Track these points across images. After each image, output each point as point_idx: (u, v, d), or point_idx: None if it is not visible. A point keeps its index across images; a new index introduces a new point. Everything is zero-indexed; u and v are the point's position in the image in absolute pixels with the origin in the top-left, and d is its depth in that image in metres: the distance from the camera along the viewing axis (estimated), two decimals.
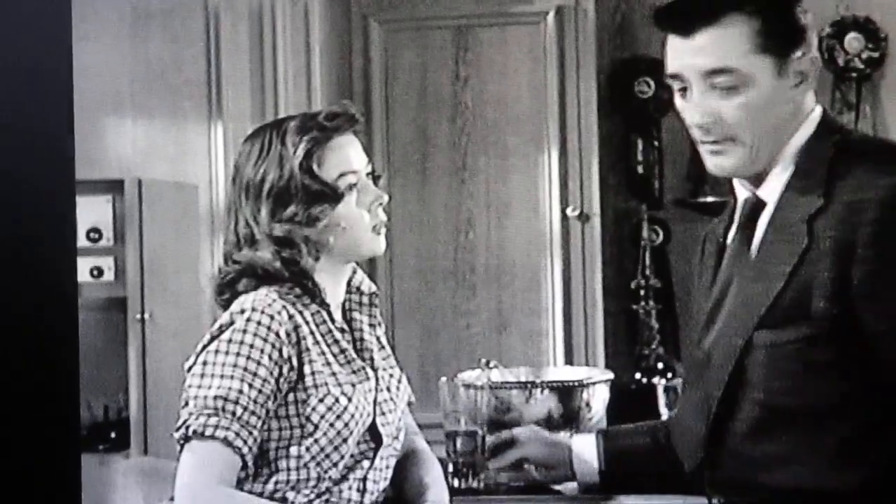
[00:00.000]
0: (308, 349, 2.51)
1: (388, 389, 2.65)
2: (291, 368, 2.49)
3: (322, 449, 2.51)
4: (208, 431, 2.43)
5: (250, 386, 2.45)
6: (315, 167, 2.55)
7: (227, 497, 2.43)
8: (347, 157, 2.58)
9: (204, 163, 4.80)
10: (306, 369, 2.50)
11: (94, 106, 4.84)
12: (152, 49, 4.87)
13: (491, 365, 3.20)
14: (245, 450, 2.44)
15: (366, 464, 2.58)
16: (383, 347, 2.72)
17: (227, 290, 2.58)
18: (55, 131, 2.80)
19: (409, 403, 2.75)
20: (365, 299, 2.70)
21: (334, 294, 2.62)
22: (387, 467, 2.62)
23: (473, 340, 4.89)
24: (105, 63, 4.85)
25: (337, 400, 2.51)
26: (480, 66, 4.99)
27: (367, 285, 2.71)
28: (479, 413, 3.07)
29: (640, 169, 5.17)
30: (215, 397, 2.44)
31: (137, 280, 4.79)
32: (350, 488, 2.55)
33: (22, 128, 2.73)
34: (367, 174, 2.61)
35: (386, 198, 2.61)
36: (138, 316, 4.78)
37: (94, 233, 4.90)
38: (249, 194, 2.57)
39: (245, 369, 2.45)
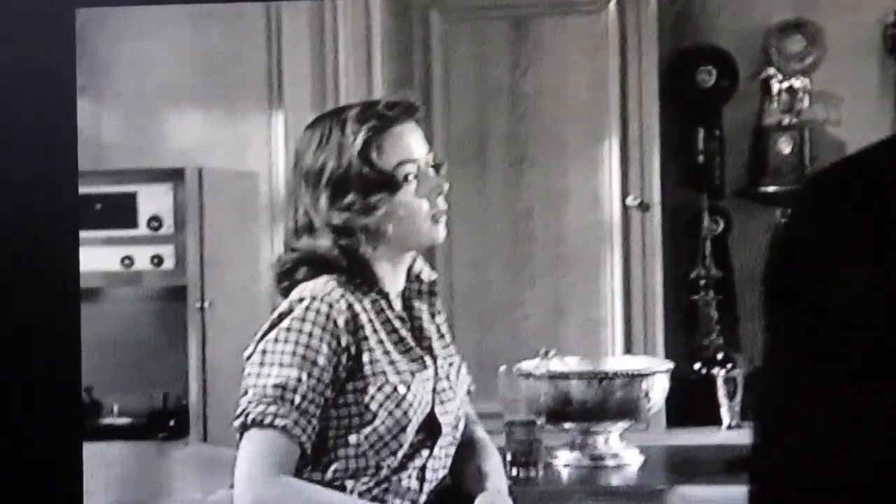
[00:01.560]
0: (366, 337, 2.51)
1: (448, 378, 2.64)
2: (350, 357, 2.49)
3: (381, 437, 2.51)
4: (267, 420, 2.43)
5: (309, 374, 2.45)
6: (373, 155, 2.54)
7: (285, 485, 2.44)
8: (407, 145, 2.57)
9: (264, 152, 4.81)
10: (365, 357, 2.50)
11: (155, 96, 4.87)
12: (213, 40, 4.88)
13: (550, 355, 3.20)
14: (303, 438, 2.45)
15: (425, 453, 2.57)
16: (443, 336, 2.71)
17: (286, 279, 2.59)
18: (58, 121, 2.81)
19: (469, 392, 2.74)
20: (425, 288, 2.69)
21: (394, 283, 2.62)
22: (446, 456, 2.62)
23: (531, 331, 4.88)
24: (167, 54, 4.87)
25: (395, 388, 2.51)
26: (540, 56, 4.98)
27: (428, 274, 2.70)
28: (537, 403, 3.07)
29: (700, 158, 5.14)
30: (274, 386, 2.44)
31: (197, 269, 4.81)
32: (409, 477, 2.55)
33: (25, 117, 2.74)
34: (428, 163, 2.61)
35: (446, 186, 2.60)
36: (198, 304, 4.80)
37: (155, 221, 4.92)
38: (309, 182, 2.58)
39: (304, 358, 2.46)
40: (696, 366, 4.92)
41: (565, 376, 3.12)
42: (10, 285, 2.73)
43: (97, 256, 4.93)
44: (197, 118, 4.86)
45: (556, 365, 3.19)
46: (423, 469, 2.57)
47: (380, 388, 2.50)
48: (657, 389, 3.15)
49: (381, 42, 4.91)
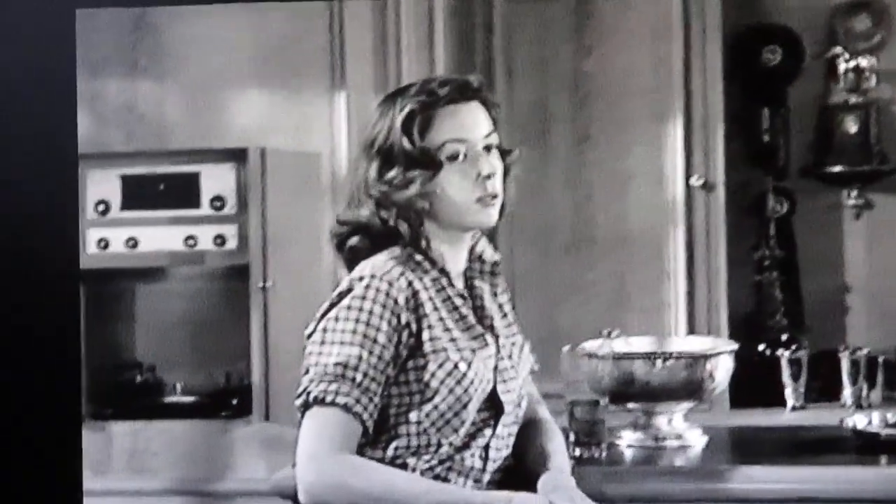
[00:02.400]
0: (427, 315, 2.51)
1: (510, 357, 2.64)
2: (410, 334, 2.49)
3: (442, 415, 2.51)
4: (328, 398, 2.44)
5: (370, 352, 2.46)
6: (415, 131, 2.53)
7: (347, 463, 2.44)
8: (459, 125, 2.55)
9: (326, 132, 4.82)
10: (425, 335, 2.50)
11: (217, 77, 4.88)
12: (276, 20, 4.89)
13: (613, 335, 3.18)
14: (365, 416, 2.45)
15: (487, 431, 2.57)
16: (505, 315, 2.70)
17: (342, 247, 2.60)
18: (58, 121, 2.81)
19: (532, 372, 2.74)
20: (486, 268, 2.69)
21: (455, 261, 2.61)
22: (508, 435, 2.62)
23: (594, 312, 4.87)
24: (229, 34, 4.89)
25: (456, 365, 2.51)
26: (603, 36, 4.95)
27: (490, 254, 2.69)
28: (600, 383, 3.06)
29: (765, 138, 5.10)
30: (335, 364, 2.45)
31: (260, 248, 4.83)
32: (472, 455, 2.55)
33: (25, 118, 2.75)
34: (485, 145, 2.58)
35: (493, 171, 2.56)
36: (260, 284, 4.82)
37: (218, 201, 4.94)
38: (364, 153, 2.59)
39: (364, 336, 2.46)
40: (761, 347, 4.89)
41: (629, 356, 3.10)
42: (10, 283, 2.75)
43: (161, 236, 4.96)
44: (260, 98, 4.87)
45: (620, 345, 3.18)
46: (486, 448, 2.57)
47: (440, 366, 2.51)
48: (721, 370, 3.13)
49: (444, 22, 4.90)
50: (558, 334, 4.60)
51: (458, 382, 2.51)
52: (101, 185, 5.00)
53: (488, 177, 2.55)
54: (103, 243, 4.96)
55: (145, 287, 5.27)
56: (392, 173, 2.54)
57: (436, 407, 2.50)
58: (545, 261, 4.91)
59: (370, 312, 2.48)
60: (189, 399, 5.11)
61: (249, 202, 4.84)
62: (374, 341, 2.47)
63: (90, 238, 4.98)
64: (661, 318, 4.81)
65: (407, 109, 2.54)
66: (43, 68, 2.79)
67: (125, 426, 4.92)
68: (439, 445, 2.52)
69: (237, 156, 4.89)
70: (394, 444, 2.51)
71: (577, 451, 2.96)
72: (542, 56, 4.98)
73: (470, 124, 2.56)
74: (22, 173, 2.75)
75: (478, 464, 2.56)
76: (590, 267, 4.90)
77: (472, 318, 2.60)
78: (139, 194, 4.99)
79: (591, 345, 3.14)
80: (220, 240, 4.93)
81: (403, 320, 2.49)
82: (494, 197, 2.57)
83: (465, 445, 2.54)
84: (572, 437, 2.97)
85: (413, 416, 2.51)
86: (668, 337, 3.89)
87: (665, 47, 4.90)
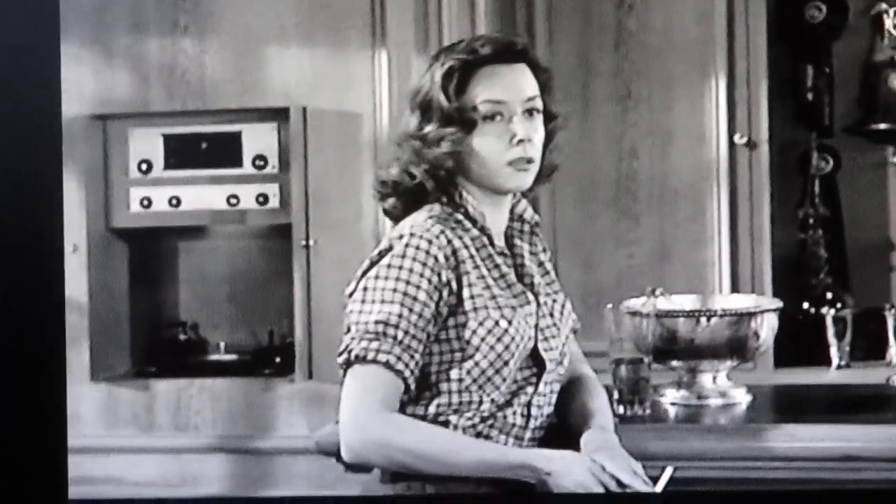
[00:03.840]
0: (468, 272, 2.52)
1: (552, 315, 2.64)
2: (451, 292, 2.50)
3: (483, 372, 2.51)
4: (370, 356, 2.45)
5: (410, 310, 2.46)
6: (451, 89, 2.53)
7: (390, 421, 2.45)
8: (498, 86, 2.54)
9: (368, 91, 4.81)
10: (465, 293, 2.51)
11: (259, 36, 4.88)
12: None
13: (657, 293, 3.17)
14: (407, 373, 2.46)
15: (529, 389, 2.57)
16: (547, 273, 2.70)
17: (385, 199, 2.61)
18: (41, 68, 2.80)
19: (574, 331, 2.73)
20: (526, 228, 2.68)
21: (495, 221, 2.61)
22: (551, 392, 2.62)
23: (636, 270, 4.85)
24: None
25: (497, 323, 2.52)
26: None
27: (530, 214, 2.69)
28: (644, 341, 3.05)
29: (809, 96, 5.06)
30: (376, 322, 2.46)
31: (302, 207, 4.83)
32: (514, 413, 2.56)
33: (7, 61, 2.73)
34: (527, 110, 2.56)
35: (529, 136, 2.53)
36: (303, 242, 4.82)
37: (260, 160, 4.95)
38: (409, 104, 2.60)
39: (405, 294, 2.47)
40: (805, 305, 4.87)
41: (673, 314, 3.10)
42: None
43: (203, 195, 4.97)
44: (301, 58, 4.86)
45: (664, 303, 3.17)
46: (528, 406, 2.57)
47: (481, 323, 2.51)
48: (766, 328, 3.12)
49: None
50: (601, 292, 4.61)
51: (499, 339, 2.52)
52: (143, 144, 5.01)
53: (522, 140, 2.53)
54: (146, 202, 4.98)
55: (188, 245, 5.28)
56: (428, 128, 2.54)
57: (477, 364, 2.51)
58: (587, 218, 4.90)
59: (410, 270, 2.48)
60: (232, 357, 5.13)
61: (291, 161, 4.84)
62: (415, 299, 2.47)
63: (133, 197, 5.00)
64: (704, 277, 4.79)
65: (447, 66, 2.54)
66: (27, 42, 2.78)
67: (169, 384, 4.95)
68: (481, 402, 2.52)
69: (279, 115, 4.89)
70: (436, 402, 2.52)
71: (621, 409, 2.96)
72: (584, 13, 4.95)
73: (510, 86, 2.55)
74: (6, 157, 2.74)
75: (520, 421, 2.56)
76: (633, 225, 4.88)
77: (512, 276, 2.60)
78: (181, 153, 5.00)
79: (634, 303, 3.13)
80: (263, 198, 4.93)
81: (444, 278, 2.49)
82: (529, 161, 2.55)
83: (508, 403, 2.55)
84: (616, 396, 2.96)
85: (454, 373, 2.51)
86: (712, 295, 3.89)
87: (708, 3, 4.86)
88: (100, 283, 4.98)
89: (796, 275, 4.97)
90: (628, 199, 4.90)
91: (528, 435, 2.59)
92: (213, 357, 5.15)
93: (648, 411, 2.99)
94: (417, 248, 2.49)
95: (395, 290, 2.47)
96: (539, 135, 2.58)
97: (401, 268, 2.48)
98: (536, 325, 2.59)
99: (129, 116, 4.99)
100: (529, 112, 2.56)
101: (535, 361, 2.58)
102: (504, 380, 2.53)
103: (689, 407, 3.11)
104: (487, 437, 2.53)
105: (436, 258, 2.49)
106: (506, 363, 2.52)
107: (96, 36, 4.95)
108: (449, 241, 2.51)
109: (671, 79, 4.88)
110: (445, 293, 2.50)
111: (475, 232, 2.57)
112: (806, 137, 5.07)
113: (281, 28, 4.88)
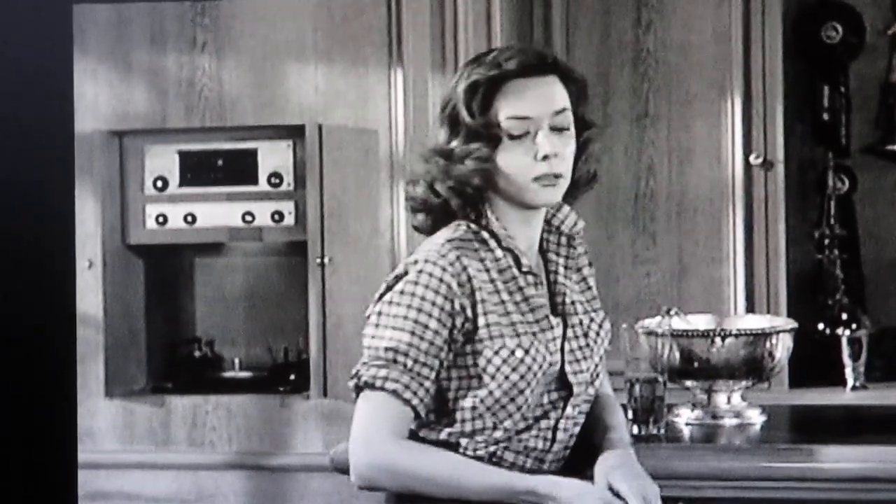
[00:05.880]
0: (483, 300, 2.48)
1: (586, 335, 2.58)
2: (466, 319, 2.46)
3: (497, 400, 2.49)
4: (378, 383, 2.43)
5: (421, 338, 2.44)
6: (475, 105, 2.48)
7: (397, 445, 2.43)
8: (523, 100, 2.48)
9: (384, 108, 4.81)
10: (481, 321, 2.47)
11: (276, 53, 4.89)
12: None
13: (672, 312, 3.17)
14: (415, 401, 2.44)
15: (554, 414, 2.54)
16: (589, 288, 2.66)
17: (416, 214, 2.58)
18: (54, 116, 2.81)
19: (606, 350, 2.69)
20: (563, 240, 2.63)
21: (525, 236, 2.56)
22: (579, 413, 2.58)
23: (653, 288, 4.84)
24: (287, 10, 4.89)
25: (513, 352, 2.48)
26: (663, 11, 4.91)
27: (569, 224, 2.63)
28: (659, 360, 3.05)
29: (826, 116, 5.05)
30: (386, 349, 2.44)
31: (318, 224, 4.83)
32: (536, 437, 2.52)
33: (22, 113, 2.74)
34: (555, 124, 2.50)
35: (556, 151, 2.48)
36: (318, 260, 4.82)
37: (275, 177, 4.95)
38: (438, 116, 2.56)
39: (416, 321, 2.44)
40: (821, 326, 4.86)
41: (688, 334, 3.09)
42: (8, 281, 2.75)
43: (218, 212, 4.98)
44: (318, 75, 4.87)
45: (679, 323, 3.16)
46: (553, 430, 2.54)
47: (496, 352, 2.48)
48: (781, 349, 3.12)
49: None
50: (618, 310, 4.59)
51: (514, 369, 2.48)
52: (159, 161, 5.02)
53: (548, 156, 2.48)
54: (162, 218, 4.98)
55: (204, 262, 5.29)
56: (455, 143, 2.50)
57: (490, 393, 2.48)
58: (604, 236, 4.89)
59: (422, 298, 2.45)
60: (247, 374, 5.13)
61: (307, 179, 4.84)
62: (426, 327, 2.44)
63: (149, 213, 5.01)
64: (720, 296, 4.78)
65: (471, 80, 2.49)
66: (41, 63, 2.78)
67: (184, 400, 4.95)
68: (494, 428, 2.50)
69: (295, 132, 4.89)
70: (451, 428, 2.49)
71: (636, 429, 2.95)
72: (602, 32, 4.95)
73: (536, 100, 2.49)
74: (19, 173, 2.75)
75: (541, 444, 2.53)
76: (649, 244, 4.87)
77: (538, 298, 2.55)
78: (197, 170, 5.00)
79: (650, 322, 3.13)
80: (278, 216, 4.94)
81: (457, 305, 2.46)
82: (557, 177, 2.50)
83: (528, 428, 2.52)
84: (631, 415, 2.96)
85: (468, 401, 2.49)
86: (728, 315, 3.88)
87: (725, 23, 4.86)
88: (116, 298, 4.98)
89: (812, 294, 4.96)
90: (646, 216, 4.89)
91: (550, 457, 2.55)
92: (229, 373, 5.15)
93: (663, 431, 2.98)
94: (431, 274, 2.46)
95: (405, 318, 2.45)
96: (570, 148, 2.52)
97: (413, 294, 2.46)
98: (561, 349, 2.56)
99: (145, 133, 5.00)
100: (558, 126, 2.51)
101: (563, 384, 2.55)
102: (519, 408, 2.50)
103: (704, 426, 3.11)
104: (501, 460, 2.51)
105: (449, 286, 2.46)
106: (521, 392, 2.49)
107: (114, 52, 4.96)
108: (465, 268, 2.47)
109: (689, 97, 4.88)
110: (460, 320, 2.47)
111: (499, 252, 2.53)
112: (823, 157, 5.06)
113: (298, 45, 4.89)
